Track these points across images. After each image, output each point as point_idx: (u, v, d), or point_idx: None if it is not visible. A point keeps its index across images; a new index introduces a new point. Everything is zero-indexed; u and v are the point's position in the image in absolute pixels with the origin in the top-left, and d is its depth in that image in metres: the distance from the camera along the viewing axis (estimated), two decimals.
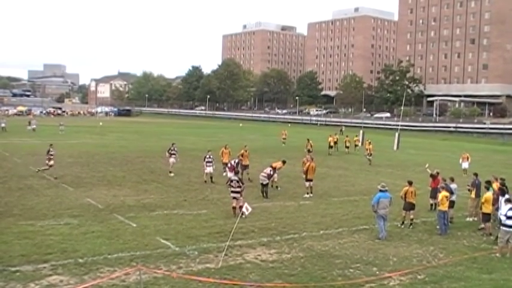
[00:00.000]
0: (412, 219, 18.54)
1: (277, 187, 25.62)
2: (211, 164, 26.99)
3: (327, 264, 13.67)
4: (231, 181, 20.21)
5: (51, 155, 27.72)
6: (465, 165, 35.61)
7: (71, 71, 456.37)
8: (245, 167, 28.08)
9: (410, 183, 18.64)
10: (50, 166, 27.60)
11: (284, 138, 56.81)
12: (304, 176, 24.73)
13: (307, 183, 24.37)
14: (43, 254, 13.46)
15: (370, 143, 41.79)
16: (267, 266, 13.35)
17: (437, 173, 21.91)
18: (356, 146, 50.98)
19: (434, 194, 20.27)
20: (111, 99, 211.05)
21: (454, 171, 30.55)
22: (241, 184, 19.63)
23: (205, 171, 27.17)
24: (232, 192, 19.50)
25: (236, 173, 21.31)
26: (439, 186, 19.20)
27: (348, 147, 49.16)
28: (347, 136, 54.05)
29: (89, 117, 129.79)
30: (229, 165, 25.96)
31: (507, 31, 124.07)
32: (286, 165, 26.47)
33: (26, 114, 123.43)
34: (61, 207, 19.68)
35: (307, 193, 24.08)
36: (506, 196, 16.91)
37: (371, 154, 40.27)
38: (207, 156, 27.20)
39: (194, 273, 12.39)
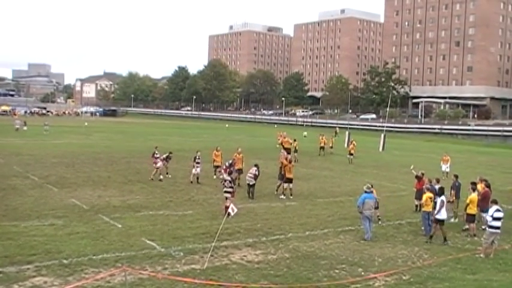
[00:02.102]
0: (378, 216, 18.95)
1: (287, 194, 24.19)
2: (199, 165, 26.99)
3: (312, 265, 13.70)
4: (224, 181, 20.41)
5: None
6: (445, 167, 34.43)
7: (56, 70, 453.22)
8: (238, 170, 26.67)
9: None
10: (158, 168, 27.58)
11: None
12: (284, 176, 23.95)
13: (285, 185, 23.84)
14: (27, 255, 13.32)
15: (353, 143, 42.59)
16: (253, 266, 13.34)
17: (423, 174, 22.05)
18: (328, 146, 49.89)
19: (419, 195, 20.37)
20: (97, 99, 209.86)
21: (438, 173, 30.88)
22: (232, 185, 19.85)
23: (193, 171, 27.10)
24: (224, 192, 19.70)
25: (229, 174, 21.26)
26: (424, 187, 19.33)
27: (332, 147, 49.31)
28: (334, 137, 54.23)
29: (74, 117, 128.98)
30: (224, 167, 25.60)
31: (491, 34, 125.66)
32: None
33: (10, 114, 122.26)
34: (45, 207, 19.48)
35: (283, 194, 23.75)
36: (443, 197, 16.99)
37: (352, 154, 41.12)
38: (196, 156, 27.12)
39: (179, 274, 12.35)
